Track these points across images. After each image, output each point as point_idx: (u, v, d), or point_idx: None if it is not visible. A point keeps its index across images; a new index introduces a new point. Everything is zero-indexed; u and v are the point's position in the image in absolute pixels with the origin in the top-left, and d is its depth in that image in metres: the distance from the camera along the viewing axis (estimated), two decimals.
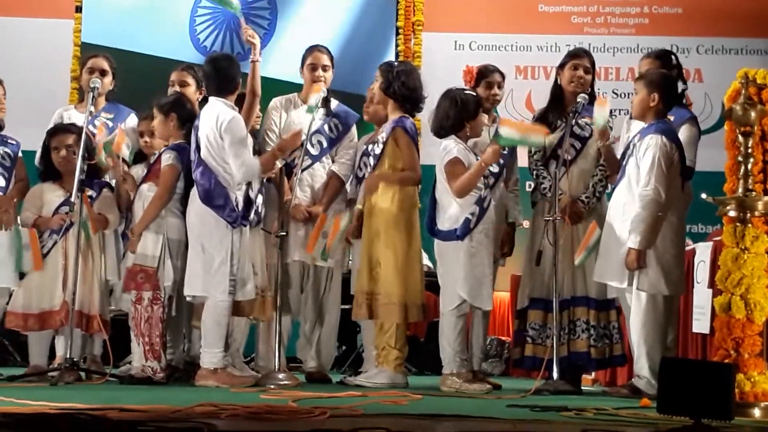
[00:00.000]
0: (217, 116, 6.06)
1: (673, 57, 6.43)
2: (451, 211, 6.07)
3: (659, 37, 8.48)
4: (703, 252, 6.02)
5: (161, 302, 6.08)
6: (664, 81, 5.94)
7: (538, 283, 6.32)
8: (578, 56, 6.49)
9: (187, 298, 6.14)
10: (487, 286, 6.09)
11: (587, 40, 7.05)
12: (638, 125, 5.99)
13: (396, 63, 6.77)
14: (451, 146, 6.08)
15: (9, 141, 6.58)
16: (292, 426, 3.44)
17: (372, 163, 6.44)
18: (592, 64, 6.49)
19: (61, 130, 6.46)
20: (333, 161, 6.73)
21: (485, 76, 6.60)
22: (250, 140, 6.19)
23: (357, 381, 6.24)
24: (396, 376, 6.19)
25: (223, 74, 6.21)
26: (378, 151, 6.40)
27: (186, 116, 6.30)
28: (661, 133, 5.74)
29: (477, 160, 6.07)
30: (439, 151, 6.18)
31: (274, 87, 7.15)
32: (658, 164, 5.67)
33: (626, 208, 5.78)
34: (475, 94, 6.29)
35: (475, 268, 6.02)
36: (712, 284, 5.65)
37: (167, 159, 6.19)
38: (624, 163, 5.86)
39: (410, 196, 6.34)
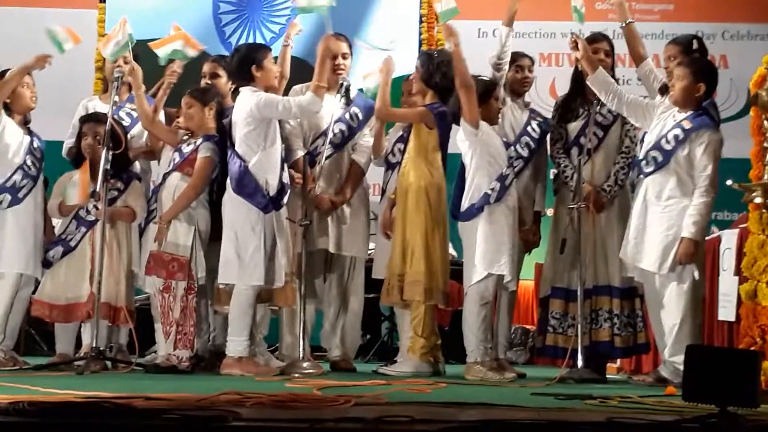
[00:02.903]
0: (247, 102, 6.07)
1: (693, 41, 6.38)
2: (471, 190, 6.05)
3: (684, 23, 8.43)
4: (728, 239, 6.00)
5: (194, 292, 6.11)
6: (711, 72, 5.95)
7: (559, 272, 6.32)
8: (597, 40, 6.46)
9: (221, 286, 6.16)
10: (506, 253, 6.01)
11: (611, 27, 6.99)
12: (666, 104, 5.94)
13: (435, 53, 6.73)
14: None
15: (36, 134, 6.61)
16: (317, 414, 3.44)
17: (403, 148, 6.49)
18: (612, 47, 6.46)
19: (93, 118, 6.48)
20: (353, 150, 6.73)
21: (515, 60, 6.60)
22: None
23: (384, 370, 6.26)
24: (421, 364, 6.18)
25: (243, 61, 6.22)
26: (406, 134, 6.48)
27: (221, 109, 6.34)
28: (716, 128, 5.79)
29: (499, 139, 6.11)
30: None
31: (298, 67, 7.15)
32: (716, 160, 5.71)
33: (667, 194, 5.75)
34: (487, 79, 6.27)
35: (494, 235, 5.99)
36: (738, 272, 5.63)
37: (205, 150, 6.19)
38: (669, 148, 5.78)
39: (439, 184, 6.31)
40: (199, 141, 6.23)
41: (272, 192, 6.03)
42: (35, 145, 6.50)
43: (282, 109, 6.09)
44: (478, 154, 6.06)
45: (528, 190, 6.53)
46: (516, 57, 6.60)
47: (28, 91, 6.47)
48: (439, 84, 6.35)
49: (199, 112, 6.26)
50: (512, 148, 6.37)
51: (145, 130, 6.61)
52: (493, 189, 6.00)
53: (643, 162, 5.86)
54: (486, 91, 6.17)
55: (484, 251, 5.97)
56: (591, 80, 6.06)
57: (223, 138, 6.27)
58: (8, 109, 6.42)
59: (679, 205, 5.73)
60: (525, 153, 6.49)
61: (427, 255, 6.20)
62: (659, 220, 5.76)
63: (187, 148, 6.28)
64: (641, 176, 5.87)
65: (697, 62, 5.99)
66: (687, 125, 5.76)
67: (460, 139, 6.12)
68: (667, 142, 5.79)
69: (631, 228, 5.88)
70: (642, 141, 6.17)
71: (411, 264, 6.20)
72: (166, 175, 6.31)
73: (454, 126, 6.36)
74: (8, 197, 6.35)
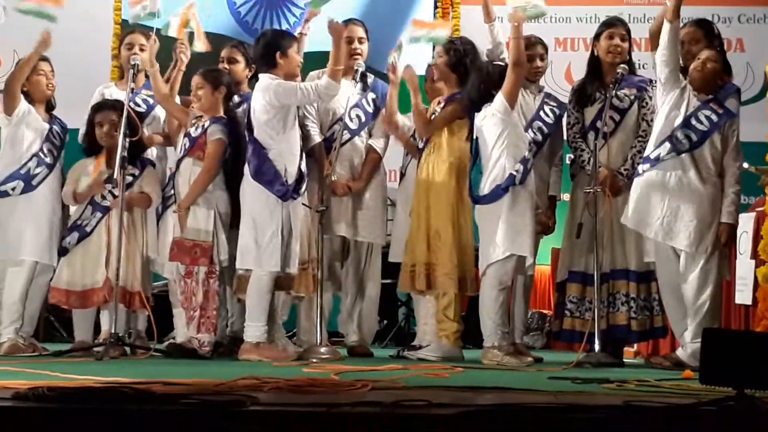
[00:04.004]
0: (265, 89, 6.08)
1: (714, 27, 6.37)
2: (495, 171, 6.01)
3: (700, 6, 8.36)
4: (745, 223, 5.98)
5: (216, 276, 6.13)
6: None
7: (576, 256, 6.31)
8: (613, 25, 6.43)
9: (239, 272, 6.18)
10: (527, 235, 5.99)
11: (627, 11, 6.97)
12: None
13: (457, 40, 6.73)
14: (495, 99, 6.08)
15: (59, 120, 6.65)
16: (334, 399, 3.45)
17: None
18: (628, 31, 6.43)
19: (105, 106, 6.50)
20: (370, 135, 6.74)
21: (526, 48, 6.54)
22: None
23: (415, 354, 6.28)
24: (453, 349, 6.23)
25: (269, 47, 6.21)
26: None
27: (231, 92, 6.37)
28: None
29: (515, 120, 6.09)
30: (483, 116, 6.12)
31: (311, 58, 7.09)
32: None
33: (702, 174, 5.83)
34: (502, 64, 6.25)
35: (515, 217, 5.97)
36: (754, 255, 5.63)
37: (214, 133, 6.20)
38: (704, 129, 5.82)
39: (464, 170, 6.30)
40: (207, 124, 6.24)
41: (291, 180, 6.04)
42: (55, 132, 6.54)
43: (301, 95, 6.08)
44: (506, 135, 6.02)
45: (543, 174, 6.52)
46: (527, 45, 6.54)
47: (44, 79, 6.51)
48: (466, 69, 6.35)
49: (209, 94, 6.27)
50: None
51: (159, 104, 6.62)
52: (517, 171, 5.99)
53: (675, 139, 5.85)
54: (500, 77, 6.14)
55: (506, 232, 5.96)
56: (671, 26, 5.90)
57: (232, 121, 6.29)
58: (29, 97, 6.46)
59: (711, 186, 5.82)
60: (538, 138, 6.47)
61: (459, 245, 6.25)
62: (696, 201, 5.81)
63: (195, 132, 6.27)
64: (673, 153, 5.85)
65: (724, 53, 6.08)
66: (719, 109, 5.80)
67: (492, 114, 6.05)
68: (699, 122, 5.81)
69: (662, 205, 5.85)
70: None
71: (442, 254, 6.23)
72: (179, 162, 6.32)
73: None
74: (21, 184, 6.38)
